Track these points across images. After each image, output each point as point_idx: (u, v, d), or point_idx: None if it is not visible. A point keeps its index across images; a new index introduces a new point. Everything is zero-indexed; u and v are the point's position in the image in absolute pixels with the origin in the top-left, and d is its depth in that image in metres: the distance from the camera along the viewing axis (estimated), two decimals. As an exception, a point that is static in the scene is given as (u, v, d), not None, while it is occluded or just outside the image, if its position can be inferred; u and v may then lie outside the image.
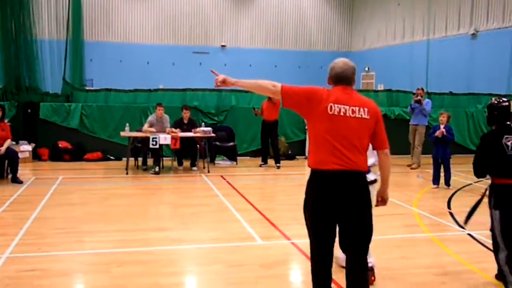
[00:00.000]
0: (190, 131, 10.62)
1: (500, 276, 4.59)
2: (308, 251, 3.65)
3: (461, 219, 6.85)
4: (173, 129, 10.39)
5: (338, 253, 3.88)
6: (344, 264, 3.67)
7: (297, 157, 12.84)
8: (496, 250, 4.42)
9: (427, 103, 11.76)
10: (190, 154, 10.99)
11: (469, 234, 6.15)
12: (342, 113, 3.35)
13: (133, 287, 4.33)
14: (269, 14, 24.29)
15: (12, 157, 8.94)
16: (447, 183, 9.15)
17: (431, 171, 9.46)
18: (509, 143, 4.28)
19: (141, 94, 12.90)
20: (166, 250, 5.37)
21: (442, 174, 9.20)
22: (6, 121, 9.47)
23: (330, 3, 25.03)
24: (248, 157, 12.73)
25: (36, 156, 11.60)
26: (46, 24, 13.64)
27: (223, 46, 23.68)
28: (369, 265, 3.87)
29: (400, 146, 12.65)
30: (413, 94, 13.27)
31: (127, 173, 10.13)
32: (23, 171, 9.58)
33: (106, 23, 22.27)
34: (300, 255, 5.25)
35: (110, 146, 12.11)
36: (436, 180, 9.22)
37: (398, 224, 6.66)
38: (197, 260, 5.11)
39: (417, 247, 5.68)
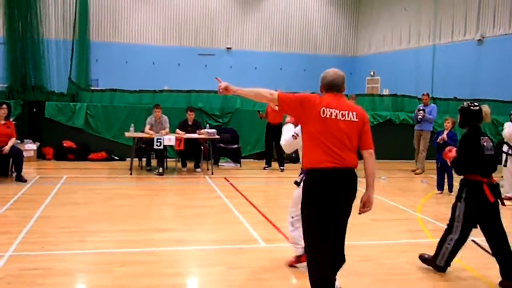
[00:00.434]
0: (195, 132, 10.63)
1: (505, 283, 4.59)
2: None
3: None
4: (178, 131, 10.45)
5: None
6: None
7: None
8: (448, 230, 4.85)
9: (432, 109, 11.73)
10: (194, 155, 11.01)
11: (473, 241, 6.11)
12: (333, 116, 3.67)
13: (135, 287, 4.33)
14: (275, 17, 24.31)
15: (16, 156, 8.97)
16: (450, 189, 9.11)
17: (435, 176, 9.42)
18: (485, 144, 4.64)
19: (146, 95, 12.94)
20: (169, 251, 5.37)
21: (446, 180, 9.18)
22: (11, 119, 9.51)
23: (336, 7, 25.03)
24: (252, 160, 12.73)
25: (40, 155, 11.64)
26: (53, 24, 13.68)
27: (228, 48, 23.70)
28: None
29: (405, 151, 12.62)
30: (419, 99, 13.27)
31: (131, 174, 10.15)
32: (28, 169, 9.61)
33: (112, 24, 22.35)
34: (302, 258, 5.23)
35: (115, 146, 12.14)
36: (440, 186, 9.20)
37: (402, 229, 6.64)
38: (199, 261, 5.10)
39: (420, 253, 5.65)
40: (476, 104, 4.93)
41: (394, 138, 13.10)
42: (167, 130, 10.50)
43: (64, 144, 11.74)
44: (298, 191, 4.47)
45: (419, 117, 11.60)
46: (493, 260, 4.80)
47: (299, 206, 3.87)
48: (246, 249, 5.41)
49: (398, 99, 14.55)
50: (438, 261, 4.93)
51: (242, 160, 12.15)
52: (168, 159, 11.11)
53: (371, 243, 5.92)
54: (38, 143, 11.58)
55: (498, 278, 4.67)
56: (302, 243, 4.40)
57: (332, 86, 3.82)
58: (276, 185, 10.28)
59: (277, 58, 23.81)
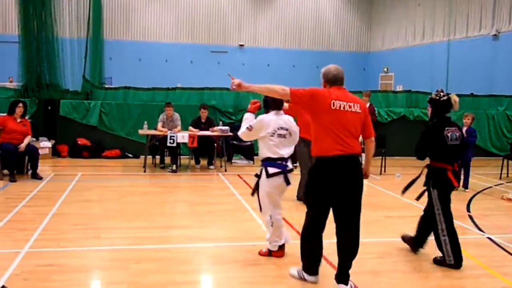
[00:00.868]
0: (208, 130, 10.65)
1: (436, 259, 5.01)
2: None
3: (480, 222, 6.76)
4: (192, 128, 10.47)
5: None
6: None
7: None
8: (435, 224, 5.04)
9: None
10: (207, 152, 11.03)
11: (489, 238, 6.05)
12: (342, 108, 4.08)
13: (149, 284, 4.35)
14: (287, 14, 24.25)
15: (32, 154, 9.07)
16: (466, 185, 9.01)
17: (450, 173, 9.30)
18: (449, 134, 4.98)
19: (160, 93, 12.99)
20: (182, 248, 5.39)
21: (461, 177, 9.07)
22: (27, 117, 9.61)
23: (349, 3, 24.89)
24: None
25: (55, 152, 11.75)
26: (67, 23, 13.76)
27: (241, 45, 23.72)
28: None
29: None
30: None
31: (144, 171, 10.20)
32: (43, 167, 9.71)
33: (125, 22, 22.49)
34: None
35: (128, 143, 12.21)
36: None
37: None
38: (213, 258, 5.11)
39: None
40: (444, 94, 5.25)
41: (408, 134, 12.94)
42: (179, 128, 10.53)
43: (79, 142, 11.85)
44: (261, 187, 4.92)
45: None
46: (509, 258, 4.74)
47: (266, 203, 4.81)
48: (259, 246, 5.41)
49: (412, 96, 14.41)
50: (448, 260, 4.94)
51: (255, 157, 12.14)
52: (181, 157, 11.14)
53: (386, 240, 5.88)
54: (53, 141, 11.69)
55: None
56: (279, 243, 4.99)
57: (336, 80, 4.22)
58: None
59: (289, 55, 23.77)
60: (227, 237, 5.84)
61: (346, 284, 4.19)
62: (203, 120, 10.93)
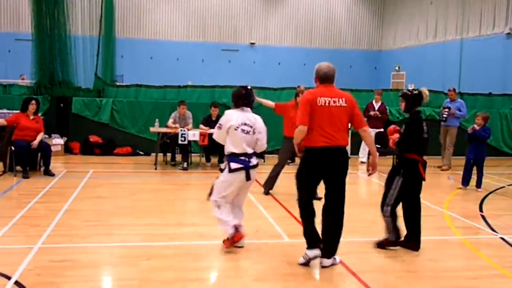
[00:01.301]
0: (219, 127, 10.64)
1: (398, 242, 5.29)
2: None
3: (493, 222, 6.70)
4: (202, 126, 10.49)
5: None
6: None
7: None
8: (382, 204, 5.34)
9: (460, 105, 11.51)
10: (218, 150, 11.03)
11: (502, 238, 6.00)
12: (327, 104, 4.55)
13: (160, 280, 4.37)
14: (298, 12, 24.18)
15: (45, 150, 9.15)
16: (479, 185, 8.92)
17: (462, 172, 9.22)
18: (425, 128, 5.24)
19: (171, 91, 13.03)
20: (193, 245, 5.41)
21: (473, 177, 8.99)
22: (39, 114, 9.69)
23: (360, 1, 24.76)
24: (276, 155, 12.68)
25: (67, 149, 11.84)
26: (80, 21, 13.85)
27: (252, 43, 23.70)
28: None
29: (431, 147, 12.29)
30: (444, 94, 13.02)
31: (155, 168, 10.24)
32: (55, 164, 9.79)
33: (137, 21, 22.58)
34: (327, 254, 5.19)
35: (140, 141, 12.27)
36: (465, 181, 8.99)
37: (429, 226, 6.50)
38: (223, 256, 5.12)
39: (448, 250, 5.57)
40: (415, 88, 5.61)
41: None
42: (190, 126, 10.55)
43: (91, 139, 11.93)
44: (222, 177, 5.06)
45: (444, 115, 11.37)
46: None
47: (221, 190, 5.00)
48: (270, 244, 5.41)
49: (424, 94, 14.28)
50: (390, 237, 5.32)
51: (266, 155, 12.13)
52: (192, 154, 11.17)
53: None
54: (65, 138, 11.78)
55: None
56: (231, 224, 5.06)
57: (326, 78, 4.66)
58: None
59: (300, 53, 23.68)
60: (238, 234, 5.83)
61: (328, 258, 4.71)
62: (213, 118, 10.94)
